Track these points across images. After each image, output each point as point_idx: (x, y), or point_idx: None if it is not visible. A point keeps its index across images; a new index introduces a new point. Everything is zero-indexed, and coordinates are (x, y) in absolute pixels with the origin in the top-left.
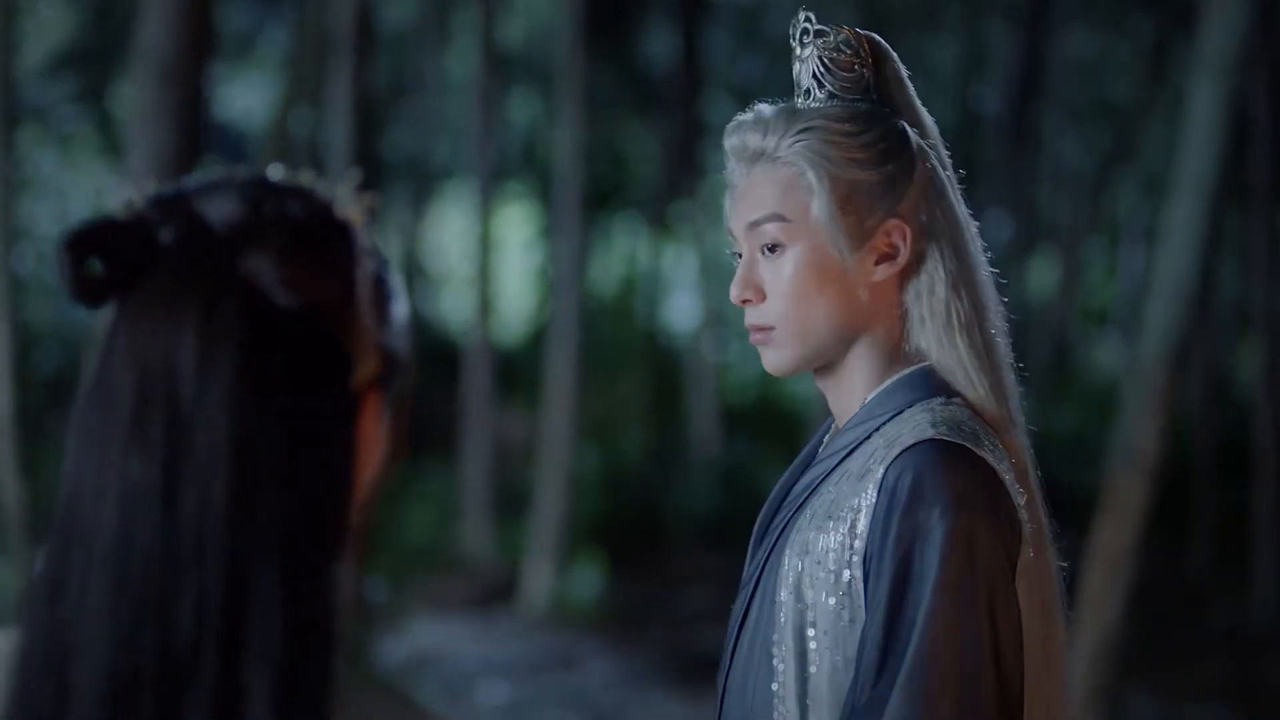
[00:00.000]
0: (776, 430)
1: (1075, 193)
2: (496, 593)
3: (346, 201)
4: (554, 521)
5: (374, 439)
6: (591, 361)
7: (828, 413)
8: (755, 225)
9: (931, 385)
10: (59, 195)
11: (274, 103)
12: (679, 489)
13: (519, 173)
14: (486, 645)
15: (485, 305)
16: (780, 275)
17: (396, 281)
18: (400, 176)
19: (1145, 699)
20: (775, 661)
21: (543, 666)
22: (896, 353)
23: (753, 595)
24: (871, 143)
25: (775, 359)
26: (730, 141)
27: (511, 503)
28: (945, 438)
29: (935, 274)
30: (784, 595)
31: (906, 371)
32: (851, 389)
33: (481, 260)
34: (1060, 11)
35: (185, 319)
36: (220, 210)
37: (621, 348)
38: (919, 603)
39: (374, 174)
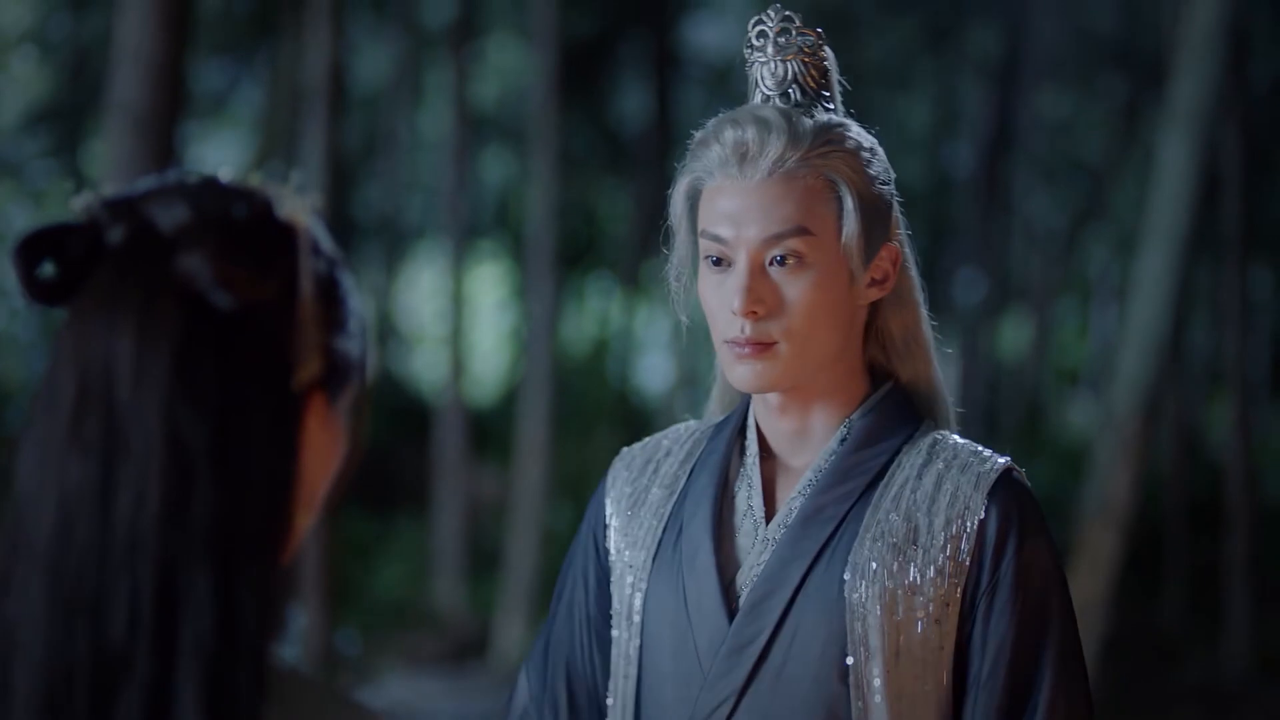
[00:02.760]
0: None
1: (1047, 252)
2: (469, 648)
3: (291, 203)
4: (526, 577)
5: (321, 441)
6: (564, 420)
7: None
8: (779, 238)
9: (915, 407)
10: None
11: (246, 160)
12: None
13: (492, 232)
14: (459, 701)
15: (458, 364)
16: (797, 291)
17: (349, 284)
18: (372, 235)
19: None
20: (854, 692)
21: None
22: (862, 373)
23: (782, 619)
24: (881, 160)
25: (768, 374)
26: (736, 136)
27: (484, 559)
28: (1015, 467)
29: (917, 300)
30: (858, 620)
31: (886, 391)
32: (826, 408)
33: (454, 319)
34: (1032, 70)
35: (123, 319)
36: (167, 212)
37: (594, 406)
38: (1046, 636)
39: (346, 232)
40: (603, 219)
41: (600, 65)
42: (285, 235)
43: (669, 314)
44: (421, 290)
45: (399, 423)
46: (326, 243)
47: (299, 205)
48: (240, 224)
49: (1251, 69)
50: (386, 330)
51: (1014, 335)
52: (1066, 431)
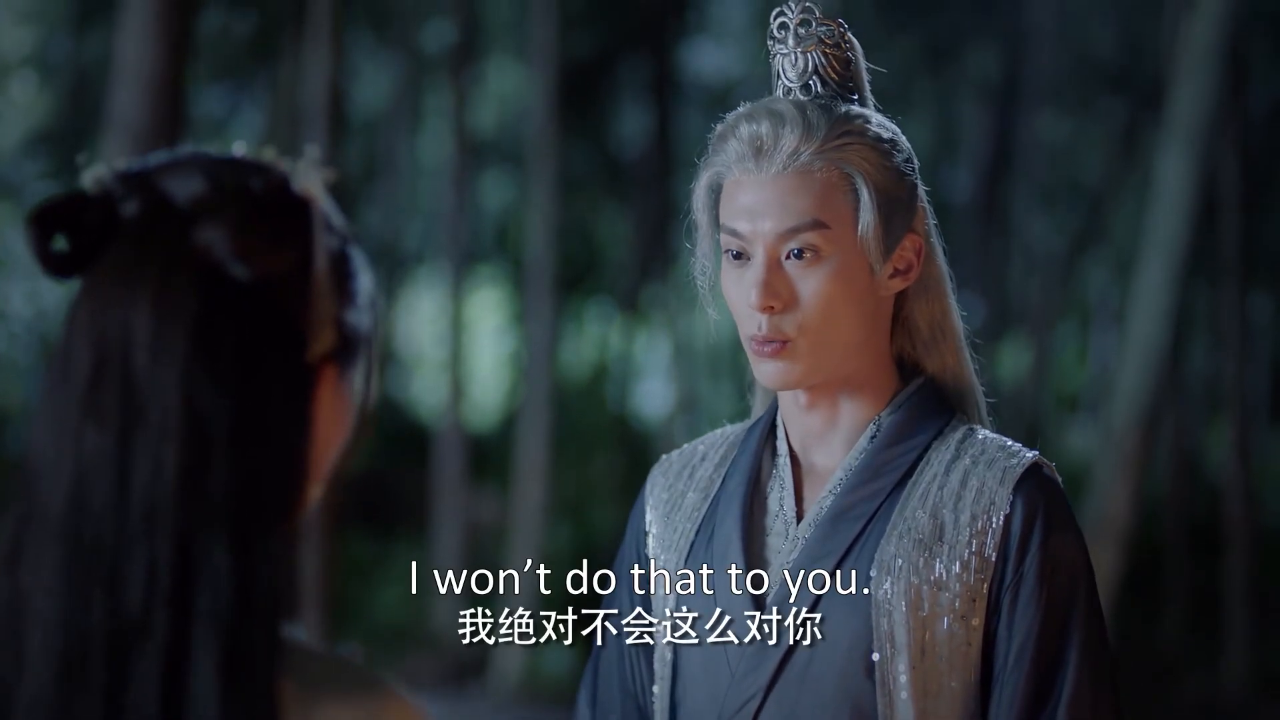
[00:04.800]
0: None
1: (1046, 275)
2: (468, 670)
3: (306, 177)
4: (525, 600)
5: (332, 413)
6: (563, 444)
7: None
8: (794, 232)
9: (946, 401)
10: (31, 274)
11: None
12: None
13: (491, 256)
14: None
15: (457, 388)
16: (813, 284)
17: (360, 258)
18: (372, 260)
19: None
20: (880, 688)
21: None
22: (891, 367)
23: (811, 614)
24: (901, 152)
25: (788, 371)
26: (751, 130)
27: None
28: (1045, 461)
29: (944, 291)
30: (884, 616)
31: (917, 386)
32: (854, 402)
33: (453, 344)
34: (1031, 93)
35: (140, 291)
36: (182, 185)
37: (593, 431)
38: (1071, 629)
39: None
40: (602, 243)
41: (600, 89)
42: (301, 209)
43: (669, 338)
44: (421, 315)
45: (398, 446)
46: (337, 218)
47: (313, 180)
48: (258, 197)
49: (1250, 92)
50: (386, 355)
51: (1013, 360)
52: (1066, 456)
